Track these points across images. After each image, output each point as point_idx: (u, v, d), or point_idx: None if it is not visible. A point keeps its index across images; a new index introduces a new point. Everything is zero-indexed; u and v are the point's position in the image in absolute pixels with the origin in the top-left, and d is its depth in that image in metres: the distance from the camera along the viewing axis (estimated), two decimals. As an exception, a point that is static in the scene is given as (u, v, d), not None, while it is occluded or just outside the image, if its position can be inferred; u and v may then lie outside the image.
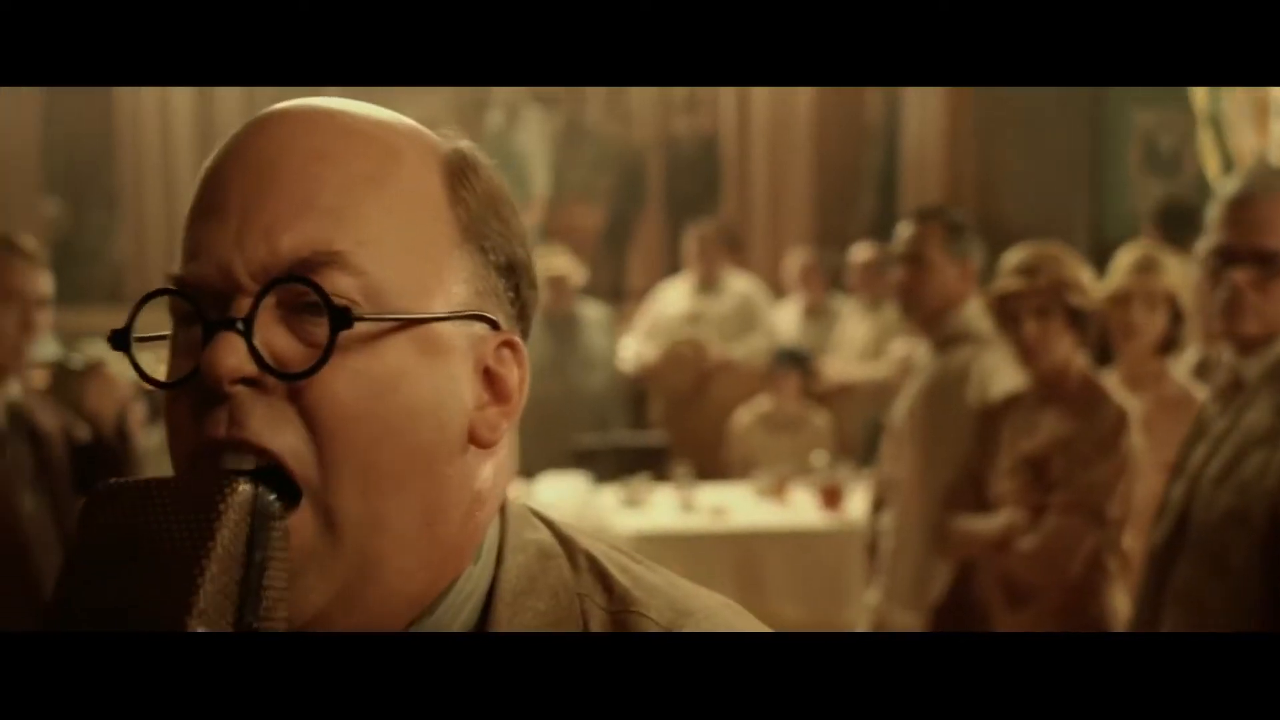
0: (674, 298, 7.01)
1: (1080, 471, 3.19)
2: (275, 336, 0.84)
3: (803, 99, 9.03)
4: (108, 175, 9.76)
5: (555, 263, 6.79)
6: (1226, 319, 2.52)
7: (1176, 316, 3.67)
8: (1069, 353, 3.31)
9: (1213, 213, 2.57)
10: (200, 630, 0.73)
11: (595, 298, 7.20)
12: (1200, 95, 5.57)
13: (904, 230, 3.89)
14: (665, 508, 5.52)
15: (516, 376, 0.94)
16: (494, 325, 0.92)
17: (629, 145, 9.60)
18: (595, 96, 9.46)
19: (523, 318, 0.97)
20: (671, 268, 7.85)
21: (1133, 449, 3.21)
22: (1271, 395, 2.48)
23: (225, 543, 0.75)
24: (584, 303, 6.88)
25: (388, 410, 0.85)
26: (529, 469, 6.38)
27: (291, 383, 0.83)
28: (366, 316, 0.84)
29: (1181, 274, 3.70)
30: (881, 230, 7.13)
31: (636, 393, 7.03)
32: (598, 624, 0.92)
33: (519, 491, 5.91)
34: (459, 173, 0.93)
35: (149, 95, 9.52)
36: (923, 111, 7.58)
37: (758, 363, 6.66)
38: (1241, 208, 2.51)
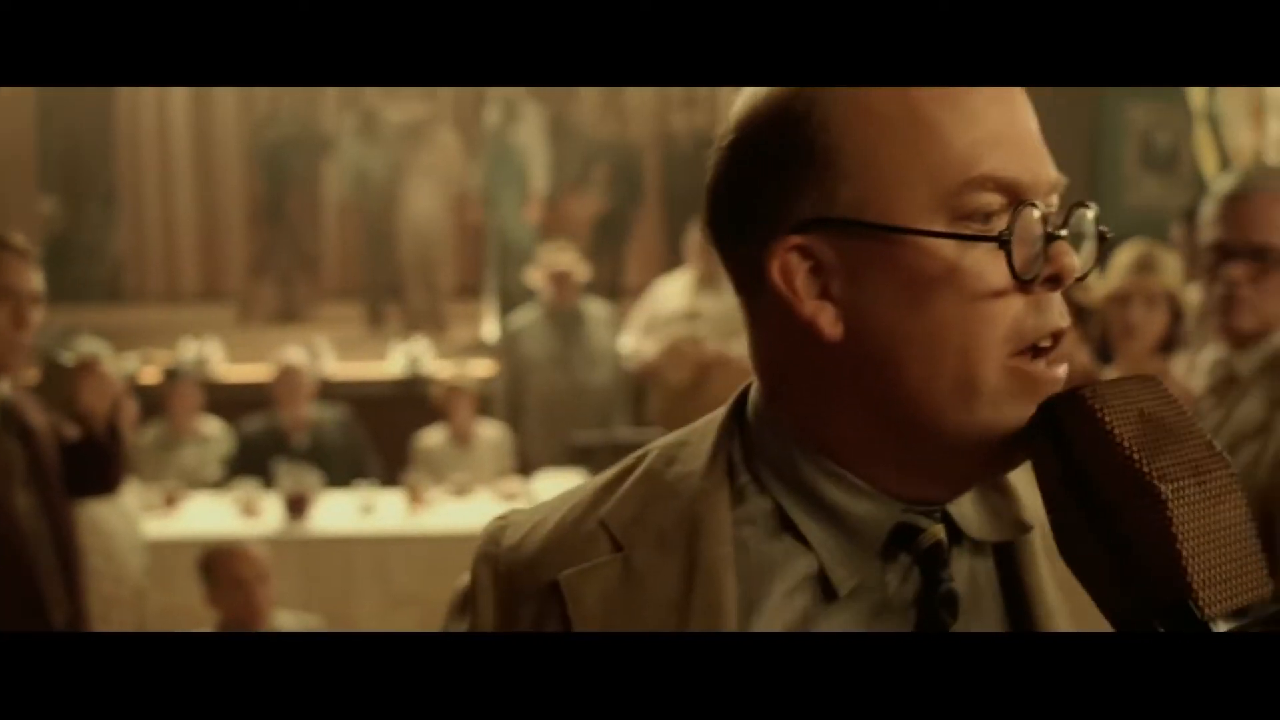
0: (673, 294, 6.98)
1: None
2: None
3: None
4: (105, 172, 9.76)
5: (560, 258, 6.78)
6: (1222, 314, 2.52)
7: (1177, 315, 3.66)
8: (1070, 349, 3.28)
9: (1208, 209, 2.57)
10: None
11: (593, 294, 7.19)
12: (1197, 93, 5.57)
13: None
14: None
15: None
16: None
17: (626, 142, 9.61)
18: (591, 93, 9.45)
19: None
20: (669, 265, 7.84)
21: None
22: (1264, 389, 2.49)
23: None
24: (588, 299, 6.87)
25: None
26: (528, 465, 6.38)
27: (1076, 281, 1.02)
28: (1110, 235, 1.05)
29: (1180, 272, 3.70)
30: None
31: (638, 389, 7.02)
32: None
33: (515, 488, 5.92)
34: None
35: (147, 93, 9.52)
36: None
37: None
38: (1236, 204, 2.51)
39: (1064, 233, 0.99)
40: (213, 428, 6.44)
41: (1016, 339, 0.98)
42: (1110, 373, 3.55)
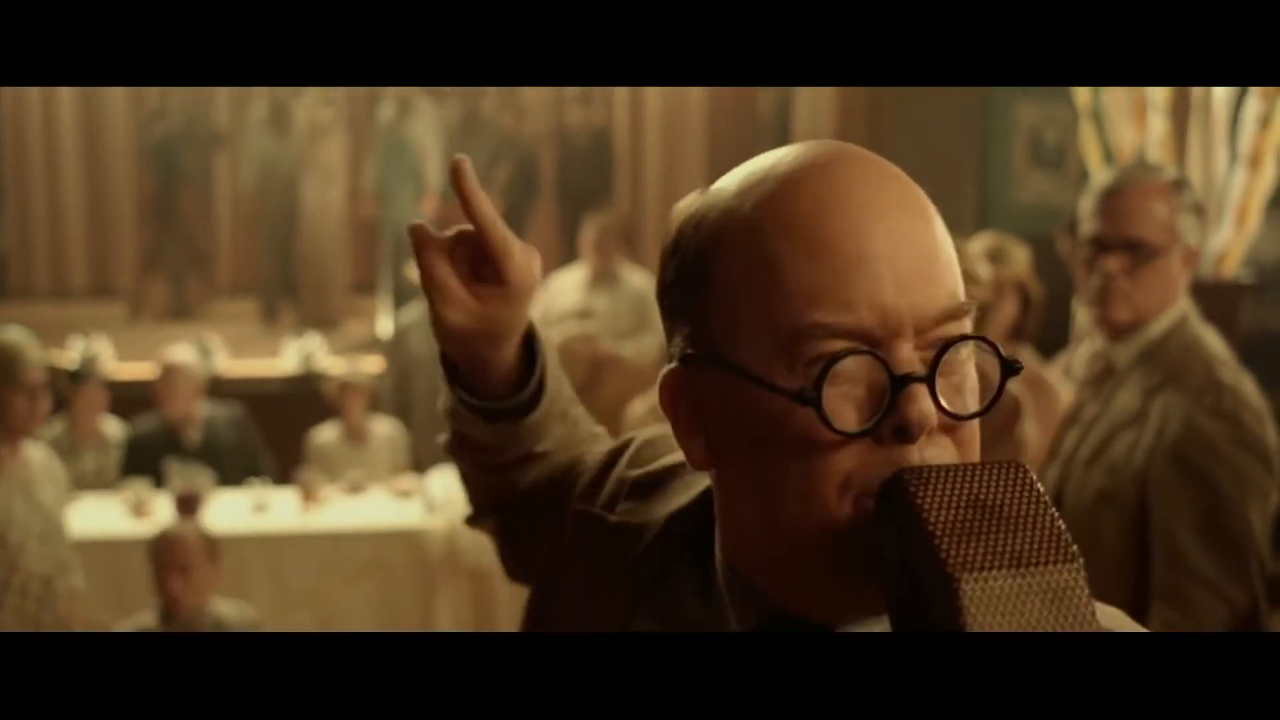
0: (566, 290, 6.98)
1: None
2: (940, 382, 0.93)
3: (695, 92, 9.07)
4: (-11, 167, 9.56)
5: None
6: (1099, 306, 2.59)
7: (1026, 304, 3.78)
8: None
9: (1085, 204, 2.64)
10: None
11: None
12: (1082, 91, 5.67)
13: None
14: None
15: None
16: None
17: (522, 137, 9.59)
18: (488, 88, 9.42)
19: None
20: (563, 260, 7.84)
21: (1026, 437, 3.26)
22: (1140, 379, 2.55)
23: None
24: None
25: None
26: (421, 463, 6.35)
27: (956, 421, 0.94)
28: (1017, 366, 0.95)
29: (1030, 263, 3.82)
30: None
31: (530, 386, 7.01)
32: None
33: (410, 485, 5.90)
34: None
35: (32, 86, 9.35)
36: (813, 105, 7.65)
37: (646, 361, 6.65)
38: (1112, 199, 2.58)
39: (921, 374, 0.92)
40: (113, 429, 6.33)
41: (858, 488, 0.92)
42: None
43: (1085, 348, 4.06)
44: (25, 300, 9.30)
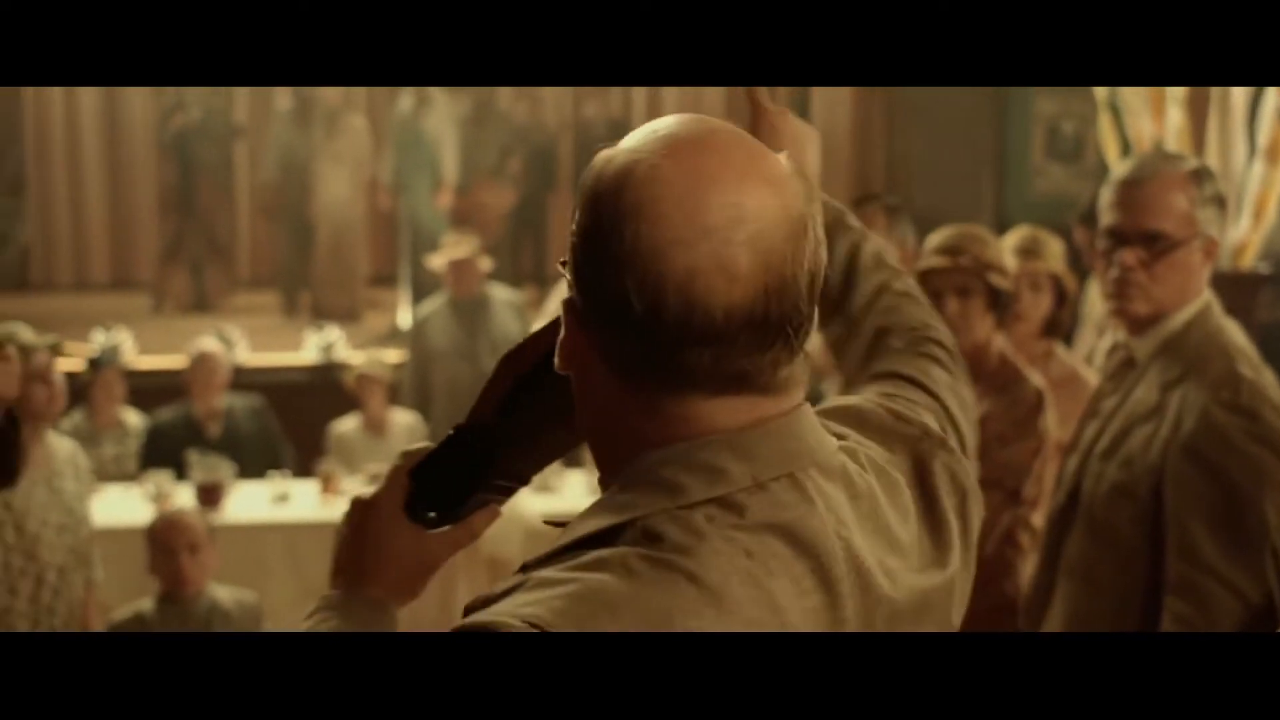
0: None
1: (998, 450, 3.20)
2: None
3: (712, 87, 9.06)
4: (11, 161, 9.61)
5: (460, 247, 6.77)
6: (1117, 299, 2.58)
7: (1061, 298, 3.76)
8: (989, 332, 3.32)
9: (1104, 195, 2.62)
10: None
11: (512, 284, 7.19)
12: (1101, 82, 5.67)
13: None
14: (577, 491, 5.54)
15: None
16: None
17: (539, 129, 9.60)
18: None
19: None
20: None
21: (1048, 428, 3.24)
22: (1158, 372, 2.54)
23: None
24: (492, 286, 6.87)
25: None
26: (440, 454, 6.37)
27: None
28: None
29: (1063, 256, 3.81)
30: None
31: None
32: None
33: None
34: None
35: (53, 79, 9.38)
36: (831, 99, 7.64)
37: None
38: (1131, 190, 2.55)
39: None
40: (134, 419, 6.36)
41: None
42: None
43: (1108, 338, 4.07)
44: (48, 293, 9.35)
